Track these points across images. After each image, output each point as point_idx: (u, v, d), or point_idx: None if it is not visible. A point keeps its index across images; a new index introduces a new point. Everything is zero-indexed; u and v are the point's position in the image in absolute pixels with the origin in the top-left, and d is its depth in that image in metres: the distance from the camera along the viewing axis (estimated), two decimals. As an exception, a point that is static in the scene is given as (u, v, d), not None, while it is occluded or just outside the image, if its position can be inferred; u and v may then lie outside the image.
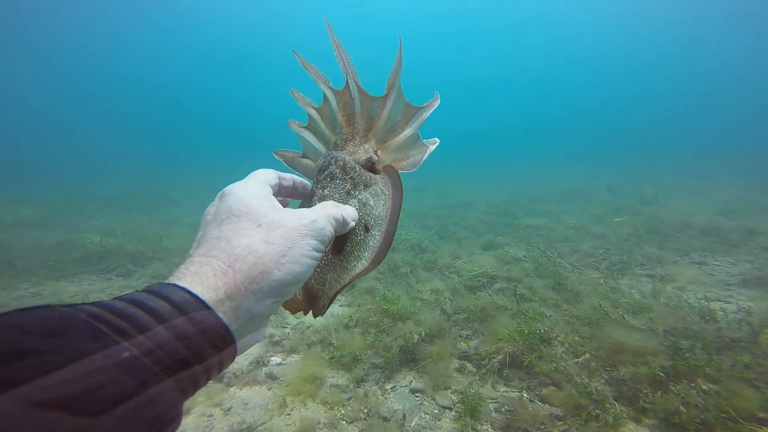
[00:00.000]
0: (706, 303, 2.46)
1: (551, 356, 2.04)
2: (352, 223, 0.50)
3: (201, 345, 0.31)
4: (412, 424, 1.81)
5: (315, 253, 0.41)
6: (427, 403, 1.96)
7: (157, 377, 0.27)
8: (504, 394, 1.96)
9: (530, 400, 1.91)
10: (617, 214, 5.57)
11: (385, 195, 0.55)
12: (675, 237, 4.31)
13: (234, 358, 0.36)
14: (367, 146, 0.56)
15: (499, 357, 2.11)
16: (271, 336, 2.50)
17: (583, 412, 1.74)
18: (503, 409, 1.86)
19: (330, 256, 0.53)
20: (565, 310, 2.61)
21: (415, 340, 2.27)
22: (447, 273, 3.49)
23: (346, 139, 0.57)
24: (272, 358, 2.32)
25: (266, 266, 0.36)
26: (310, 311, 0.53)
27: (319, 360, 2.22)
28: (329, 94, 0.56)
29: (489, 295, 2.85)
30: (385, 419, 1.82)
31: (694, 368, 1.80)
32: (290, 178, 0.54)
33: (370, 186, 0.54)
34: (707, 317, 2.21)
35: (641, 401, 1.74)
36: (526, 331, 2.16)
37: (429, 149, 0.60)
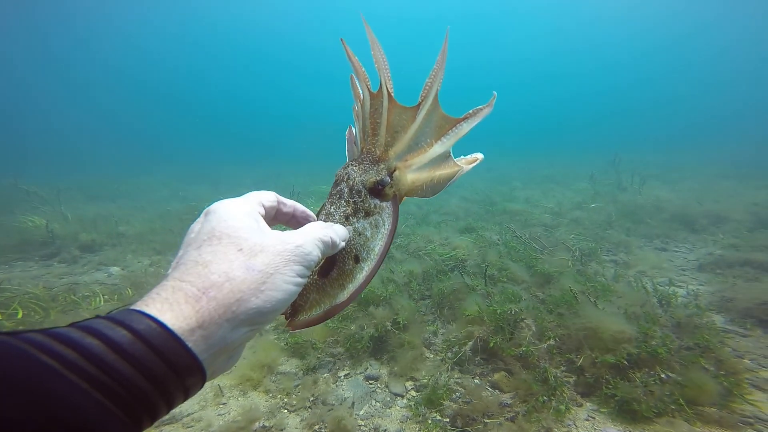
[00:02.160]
0: (666, 288, 2.47)
1: (520, 339, 2.00)
2: (342, 243, 0.47)
3: (164, 377, 0.29)
4: (361, 412, 1.75)
5: (299, 279, 0.39)
6: (380, 391, 1.91)
7: (110, 415, 0.26)
8: (457, 380, 1.92)
9: (484, 387, 1.87)
10: (595, 201, 5.61)
11: (385, 228, 0.50)
12: (645, 222, 4.35)
13: (202, 385, 0.33)
14: (381, 166, 0.51)
15: (470, 343, 2.06)
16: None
17: (533, 399, 1.70)
18: (454, 396, 1.81)
19: (316, 277, 0.50)
20: (534, 294, 2.58)
21: (388, 327, 2.19)
22: (421, 255, 3.42)
23: (368, 151, 0.52)
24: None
25: (243, 294, 0.35)
26: (288, 320, 0.50)
27: (272, 347, 2.13)
28: (366, 94, 0.51)
29: (461, 275, 2.80)
30: (332, 407, 1.75)
31: (654, 355, 1.77)
32: (292, 204, 0.51)
33: (372, 215, 0.50)
34: (663, 302, 2.20)
35: (603, 388, 1.71)
36: (498, 311, 2.11)
37: (461, 170, 0.52)
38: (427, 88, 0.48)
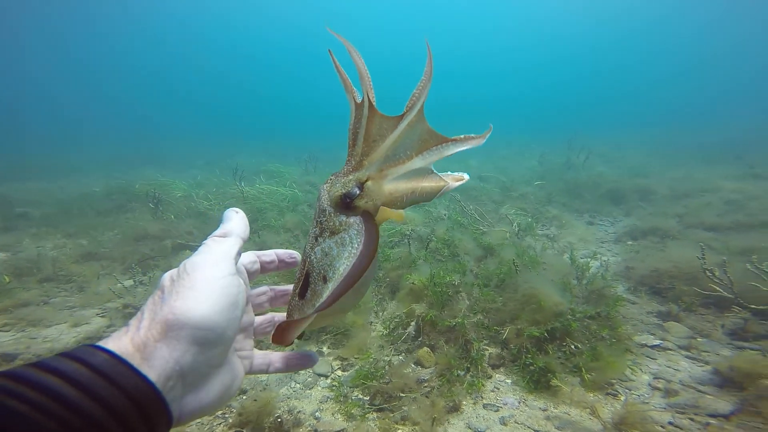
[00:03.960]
0: (584, 260, 2.63)
1: (455, 312, 2.01)
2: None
3: (112, 397, 0.29)
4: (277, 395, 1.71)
5: (231, 290, 0.39)
6: (303, 372, 1.87)
7: None
8: (384, 358, 1.92)
9: (408, 364, 1.89)
10: (541, 178, 5.85)
11: (353, 246, 0.47)
12: (581, 197, 4.62)
13: (166, 416, 0.32)
14: (351, 177, 0.48)
15: (412, 324, 2.04)
16: (125, 306, 2.22)
17: (449, 373, 1.75)
18: (382, 373, 1.82)
19: (297, 299, 0.51)
20: (470, 270, 2.63)
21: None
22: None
23: (346, 163, 0.50)
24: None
25: (179, 312, 0.35)
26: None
27: None
28: (351, 105, 0.49)
29: (408, 249, 2.78)
30: (243, 392, 1.69)
31: (566, 327, 1.83)
32: (272, 253, 0.54)
33: (337, 234, 0.48)
34: (579, 274, 2.35)
35: (523, 358, 1.76)
36: (437, 283, 2.10)
37: (448, 186, 0.49)
38: (414, 99, 0.45)
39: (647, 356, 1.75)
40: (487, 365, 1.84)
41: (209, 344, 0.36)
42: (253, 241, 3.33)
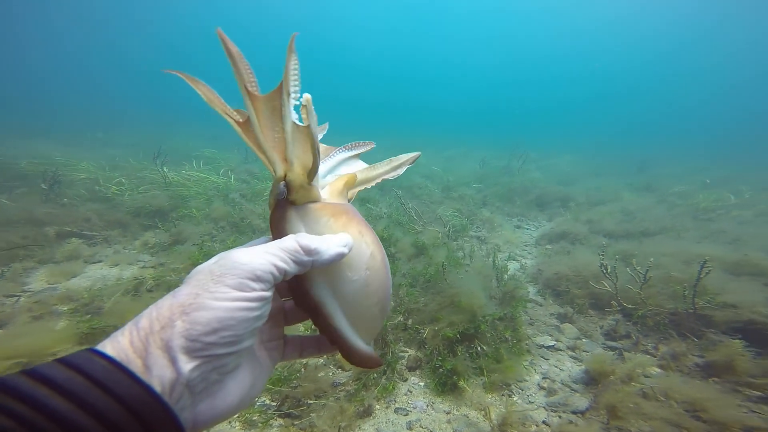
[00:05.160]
0: (504, 263, 2.82)
1: None
2: (337, 249, 0.41)
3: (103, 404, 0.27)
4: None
5: (236, 293, 0.34)
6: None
7: None
8: (301, 360, 1.86)
9: (327, 366, 1.85)
10: (480, 181, 6.18)
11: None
12: (513, 202, 4.97)
13: (176, 430, 0.30)
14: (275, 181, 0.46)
15: None
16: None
17: (365, 376, 1.74)
18: (292, 378, 1.75)
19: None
20: (402, 269, 2.65)
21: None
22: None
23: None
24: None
25: (167, 320, 0.32)
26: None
27: (50, 334, 1.73)
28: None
29: None
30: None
31: (477, 329, 1.91)
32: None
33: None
34: (498, 276, 2.50)
35: (434, 360, 1.80)
36: None
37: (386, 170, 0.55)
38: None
39: (542, 357, 1.93)
40: (405, 368, 1.88)
41: (214, 357, 0.33)
42: (168, 231, 3.00)
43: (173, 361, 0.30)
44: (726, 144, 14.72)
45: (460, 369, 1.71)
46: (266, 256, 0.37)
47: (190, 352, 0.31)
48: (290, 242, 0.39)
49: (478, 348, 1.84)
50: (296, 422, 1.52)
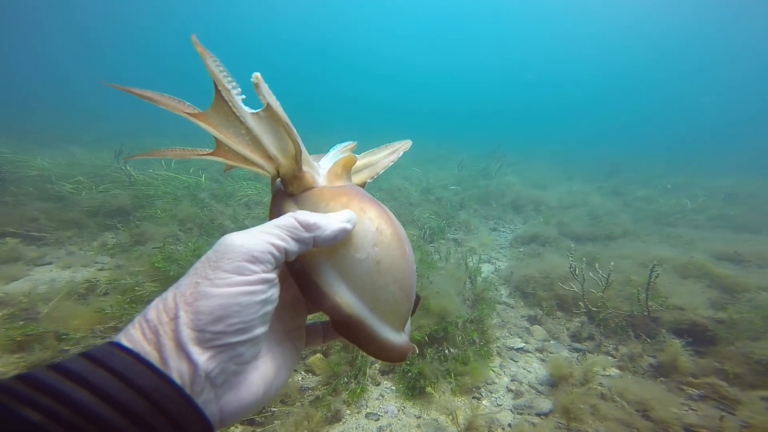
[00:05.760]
0: (478, 265, 2.87)
1: None
2: (340, 225, 0.39)
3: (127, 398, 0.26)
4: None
5: (236, 278, 0.32)
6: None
7: None
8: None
9: (298, 371, 1.81)
10: (458, 183, 6.27)
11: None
12: (490, 204, 5.08)
13: (203, 423, 0.29)
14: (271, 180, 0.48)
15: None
16: None
17: (335, 381, 1.72)
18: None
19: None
20: None
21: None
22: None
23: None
24: None
25: (173, 311, 0.31)
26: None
27: None
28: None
29: None
30: None
31: (445, 330, 1.92)
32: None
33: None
34: (472, 278, 2.54)
35: (402, 364, 1.77)
36: None
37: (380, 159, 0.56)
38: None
39: (512, 359, 1.97)
40: (378, 372, 1.86)
41: (226, 346, 0.32)
42: (129, 232, 2.84)
43: (187, 354, 0.30)
44: (684, 150, 15.79)
45: (427, 372, 1.72)
46: (262, 236, 0.35)
47: (202, 343, 0.30)
48: (287, 219, 0.37)
49: (446, 351, 1.85)
50: (258, 430, 1.46)
